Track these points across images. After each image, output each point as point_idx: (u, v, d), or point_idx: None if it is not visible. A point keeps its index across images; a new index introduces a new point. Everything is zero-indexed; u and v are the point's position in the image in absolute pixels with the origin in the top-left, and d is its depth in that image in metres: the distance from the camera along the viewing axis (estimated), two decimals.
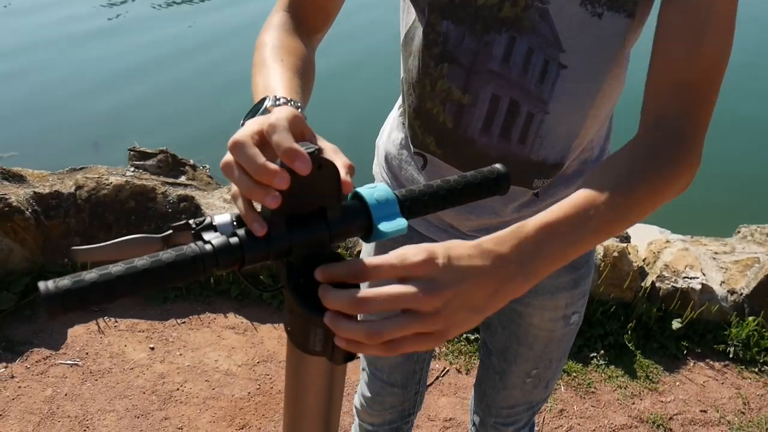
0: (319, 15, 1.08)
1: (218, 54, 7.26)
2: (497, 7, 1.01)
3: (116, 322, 2.75)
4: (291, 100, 0.84)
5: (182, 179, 3.41)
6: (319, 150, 0.72)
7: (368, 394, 1.54)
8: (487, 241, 0.74)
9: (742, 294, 3.01)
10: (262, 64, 0.94)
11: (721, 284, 3.06)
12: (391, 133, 1.31)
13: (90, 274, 0.69)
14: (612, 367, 2.80)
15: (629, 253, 3.00)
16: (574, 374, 2.74)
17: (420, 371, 1.52)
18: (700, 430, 2.56)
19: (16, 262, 2.84)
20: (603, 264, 2.93)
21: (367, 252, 1.40)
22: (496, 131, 1.10)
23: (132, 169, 3.35)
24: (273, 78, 0.90)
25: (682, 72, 0.90)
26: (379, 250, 1.35)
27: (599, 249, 2.96)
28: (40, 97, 6.51)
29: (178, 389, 2.48)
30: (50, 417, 2.34)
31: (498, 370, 1.45)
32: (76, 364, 2.55)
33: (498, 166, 0.88)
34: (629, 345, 2.88)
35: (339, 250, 2.88)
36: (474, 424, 1.60)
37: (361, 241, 1.45)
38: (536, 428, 2.49)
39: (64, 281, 0.68)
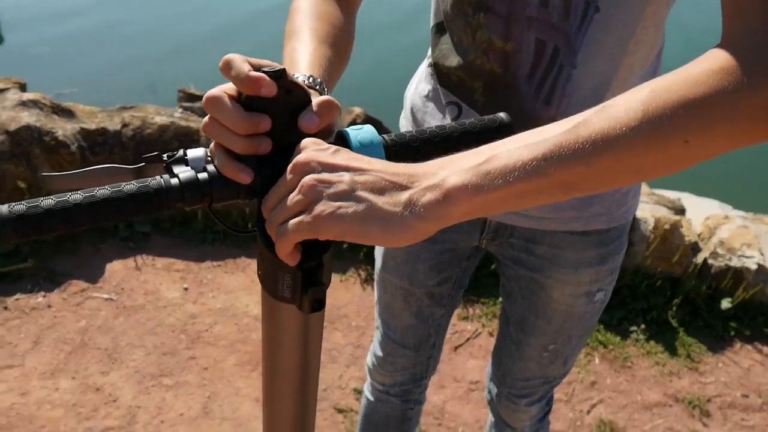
0: None
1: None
2: None
3: (154, 260, 2.77)
4: (311, 76, 0.81)
5: None
6: (283, 71, 0.67)
7: (380, 354, 1.50)
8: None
9: None
10: (292, 32, 0.92)
11: None
12: (418, 85, 1.24)
13: (47, 201, 0.66)
14: (652, 342, 2.70)
15: (682, 227, 2.87)
16: (611, 347, 2.66)
17: (435, 335, 1.46)
18: (739, 414, 2.45)
19: (47, 183, 2.88)
20: (653, 236, 2.81)
21: None
22: (536, 81, 1.02)
23: (180, 110, 3.34)
24: (299, 50, 0.88)
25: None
26: None
27: (650, 220, 2.84)
28: (103, 37, 6.59)
29: (207, 330, 2.49)
30: (81, 347, 2.38)
31: (515, 341, 1.39)
32: (111, 299, 2.58)
33: (501, 115, 0.81)
34: (672, 321, 2.77)
35: None
36: (489, 392, 1.55)
37: None
38: (557, 401, 2.43)
39: (19, 206, 0.65)
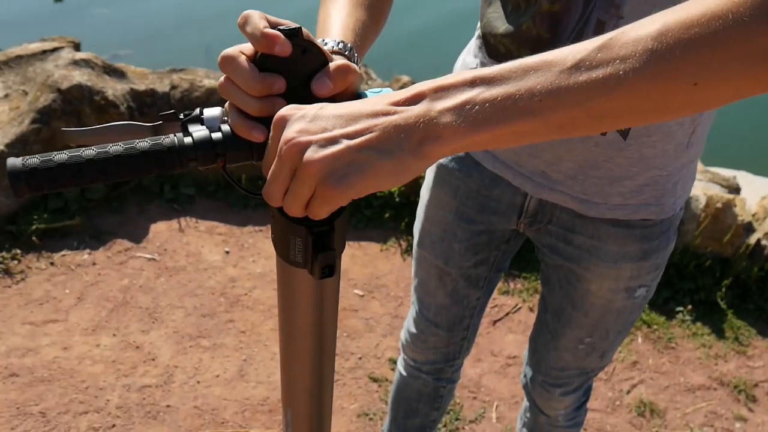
0: None
1: None
2: None
3: (197, 222, 2.80)
4: (341, 42, 0.80)
5: None
6: (299, 29, 0.65)
7: (413, 331, 1.47)
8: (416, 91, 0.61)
9: None
10: None
11: None
12: (465, 58, 1.20)
13: (60, 155, 0.66)
14: (698, 324, 2.63)
15: (735, 206, 2.77)
16: (656, 327, 2.59)
17: (469, 317, 1.43)
18: None
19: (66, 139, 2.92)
20: (704, 215, 2.72)
21: (427, 177, 1.32)
22: (572, 40, 0.97)
23: None
24: (333, 14, 0.86)
25: None
26: (439, 178, 1.26)
27: (701, 198, 2.75)
28: (162, 1, 6.63)
29: (246, 294, 2.51)
30: (123, 305, 2.42)
31: (550, 329, 1.35)
32: (154, 259, 2.62)
33: None
34: (721, 303, 2.69)
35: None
36: (525, 376, 1.51)
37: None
38: (596, 379, 2.38)
39: (33, 160, 0.65)
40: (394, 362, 2.29)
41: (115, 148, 0.67)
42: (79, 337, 2.29)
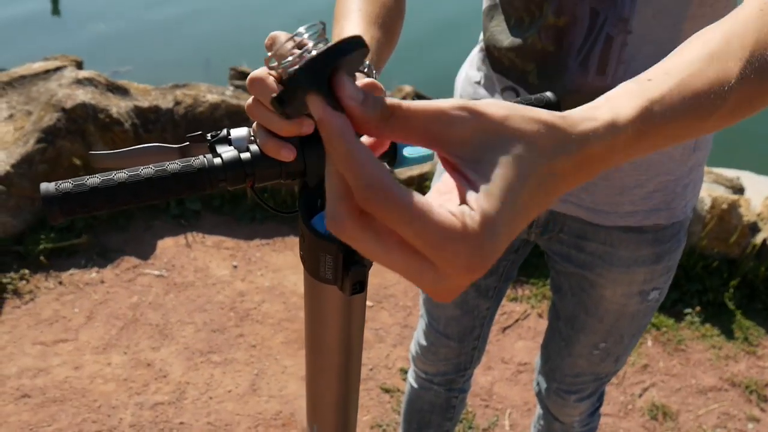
0: None
1: None
2: None
3: (204, 237, 2.80)
4: None
5: None
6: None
7: (423, 343, 1.47)
8: (589, 151, 0.48)
9: None
10: (341, 14, 0.90)
11: None
12: (468, 71, 1.21)
13: (92, 179, 0.66)
14: (707, 325, 2.63)
15: (740, 206, 2.78)
16: (665, 329, 2.60)
17: (480, 327, 1.43)
18: None
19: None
20: (709, 216, 2.73)
21: (436, 182, 1.32)
22: (583, 54, 0.98)
23: (232, 88, 3.36)
24: (347, 32, 0.86)
25: None
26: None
27: (706, 200, 2.75)
28: (160, 15, 6.65)
29: (255, 308, 2.51)
30: (133, 323, 2.42)
31: (564, 337, 1.35)
32: (162, 275, 2.62)
33: (548, 94, 0.78)
34: (729, 304, 2.69)
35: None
36: (537, 384, 1.51)
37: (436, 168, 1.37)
38: (608, 384, 2.39)
39: (66, 184, 0.66)
40: (405, 372, 2.29)
41: (146, 170, 0.67)
42: (90, 356, 2.29)
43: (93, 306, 2.47)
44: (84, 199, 0.65)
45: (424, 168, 2.90)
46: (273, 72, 0.68)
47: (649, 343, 2.55)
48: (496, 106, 0.44)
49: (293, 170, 0.70)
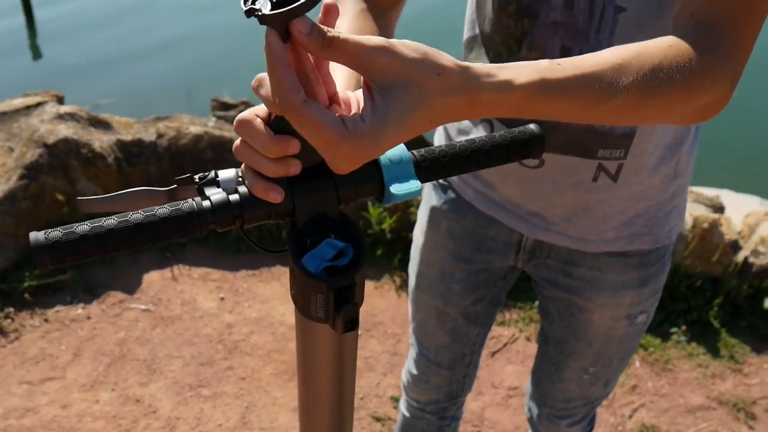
0: None
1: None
2: None
3: (190, 270, 2.79)
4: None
5: None
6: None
7: (414, 372, 1.48)
8: (478, 97, 0.62)
9: None
10: None
11: None
12: None
13: (82, 227, 0.67)
14: (693, 344, 2.65)
15: (721, 225, 2.81)
16: (652, 349, 2.61)
17: (470, 354, 1.44)
18: None
19: (82, 207, 2.91)
20: (691, 235, 2.76)
21: (420, 220, 1.34)
22: None
23: (214, 119, 3.37)
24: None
25: None
26: (434, 221, 1.28)
27: (688, 219, 2.79)
28: (139, 46, 6.67)
29: (243, 340, 2.50)
30: (121, 359, 2.40)
31: (554, 361, 1.36)
32: (149, 310, 2.61)
33: (532, 126, 0.79)
34: (714, 322, 2.72)
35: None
36: (529, 410, 1.52)
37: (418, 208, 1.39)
38: (601, 410, 2.39)
39: (56, 233, 0.66)
40: (396, 401, 2.29)
41: (136, 216, 0.68)
42: (77, 393, 2.27)
43: (80, 342, 2.46)
44: (74, 246, 0.66)
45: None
46: (260, 113, 0.69)
47: (637, 363, 2.56)
48: (410, 49, 0.59)
49: (282, 211, 0.71)
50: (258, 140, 0.66)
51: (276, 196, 0.69)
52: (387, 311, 2.67)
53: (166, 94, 5.66)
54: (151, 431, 2.16)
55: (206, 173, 0.74)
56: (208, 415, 2.23)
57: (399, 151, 0.73)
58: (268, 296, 2.70)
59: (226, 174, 0.73)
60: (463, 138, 1.16)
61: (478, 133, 1.13)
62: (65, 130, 2.89)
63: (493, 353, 2.54)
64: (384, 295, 2.75)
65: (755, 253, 2.80)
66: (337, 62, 0.59)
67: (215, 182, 0.73)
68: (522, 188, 1.13)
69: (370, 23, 0.95)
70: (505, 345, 2.58)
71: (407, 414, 1.58)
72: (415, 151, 0.75)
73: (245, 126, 0.67)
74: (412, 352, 1.48)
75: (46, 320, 2.54)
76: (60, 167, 2.82)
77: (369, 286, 2.75)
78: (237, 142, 0.69)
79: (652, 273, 1.20)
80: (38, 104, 3.17)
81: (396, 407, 2.26)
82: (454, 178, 1.23)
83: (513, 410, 2.33)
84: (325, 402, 0.84)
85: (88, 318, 2.56)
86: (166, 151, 2.98)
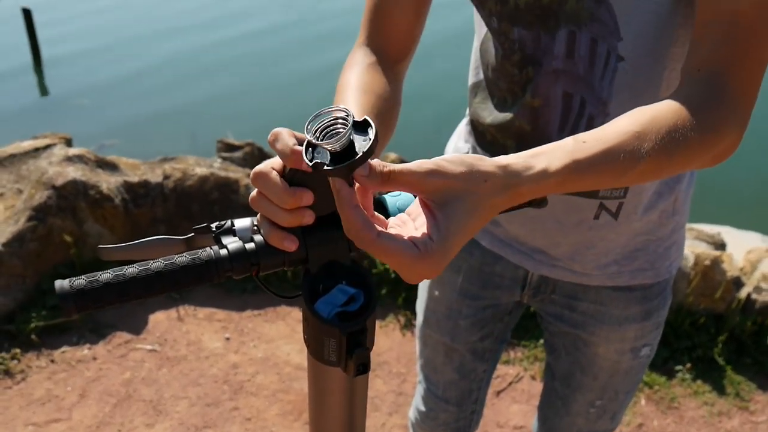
0: (400, 43, 1.06)
1: (317, 50, 7.35)
2: (563, 0, 0.96)
3: (195, 310, 2.81)
4: None
5: None
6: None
7: (422, 409, 1.49)
8: (520, 190, 0.68)
9: None
10: (339, 103, 0.95)
11: None
12: (457, 143, 1.27)
13: (105, 275, 0.69)
14: (699, 381, 2.65)
15: (723, 262, 2.83)
16: (657, 387, 2.61)
17: (477, 390, 1.46)
18: None
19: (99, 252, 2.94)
20: (693, 273, 2.78)
21: None
22: (567, 133, 1.04)
23: (219, 161, 3.41)
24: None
25: (726, 20, 0.83)
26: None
27: (689, 256, 2.81)
28: (144, 88, 6.76)
29: (249, 380, 2.51)
30: (126, 399, 2.41)
31: (560, 396, 1.38)
32: (155, 350, 2.62)
33: None
34: (719, 359, 2.72)
35: None
36: None
37: None
38: None
39: (80, 281, 0.68)
40: None
41: (156, 264, 0.71)
42: None
43: (86, 383, 2.46)
44: (98, 294, 0.68)
45: None
46: (275, 165, 0.72)
47: (643, 401, 2.56)
48: (456, 165, 0.64)
49: (296, 258, 0.73)
50: (274, 192, 0.69)
51: (290, 245, 0.71)
52: (392, 350, 2.68)
53: (171, 135, 5.73)
54: None
55: (223, 222, 0.77)
56: None
57: (407, 200, 0.75)
58: (273, 336, 2.71)
59: (241, 223, 0.76)
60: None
61: None
62: (73, 172, 2.93)
63: (498, 392, 2.55)
64: (389, 335, 2.76)
65: (758, 289, 2.81)
66: (396, 190, 0.66)
67: (231, 231, 0.76)
68: (527, 227, 1.16)
69: (378, 76, 0.98)
70: (510, 384, 2.58)
71: None
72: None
73: (262, 178, 0.70)
74: (419, 389, 1.50)
75: (52, 361, 2.55)
76: (68, 209, 2.86)
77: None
78: (253, 193, 0.72)
79: (655, 306, 1.23)
80: (47, 146, 3.21)
81: None
82: None
83: None
84: None
85: (95, 359, 2.57)
86: (173, 192, 3.02)
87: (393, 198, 0.76)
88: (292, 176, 0.70)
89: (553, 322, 1.29)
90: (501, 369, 2.64)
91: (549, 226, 1.13)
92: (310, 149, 0.64)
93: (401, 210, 0.75)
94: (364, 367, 0.72)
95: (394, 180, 0.63)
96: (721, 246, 3.11)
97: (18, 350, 2.56)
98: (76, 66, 7.23)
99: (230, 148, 3.51)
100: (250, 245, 0.73)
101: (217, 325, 2.75)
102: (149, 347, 2.63)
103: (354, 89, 0.95)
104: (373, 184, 0.63)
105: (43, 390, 2.43)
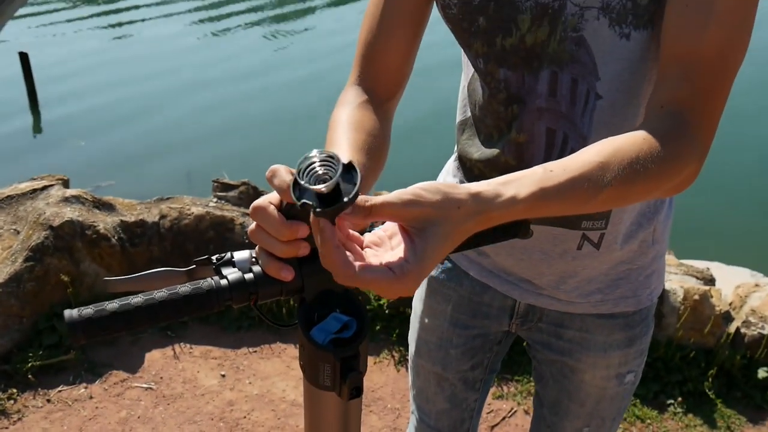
0: (390, 83, 1.12)
1: (312, 89, 7.46)
2: (545, 43, 1.02)
3: (191, 348, 2.83)
4: None
5: None
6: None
7: None
8: (489, 215, 0.74)
9: None
10: (330, 143, 1.00)
11: None
12: (446, 177, 1.32)
13: (111, 305, 0.73)
14: (690, 415, 2.68)
15: (712, 297, 2.88)
16: (649, 421, 2.64)
17: (469, 419, 1.49)
18: None
19: (102, 286, 2.98)
20: (683, 307, 2.82)
21: (419, 289, 1.41)
22: None
23: (215, 200, 3.46)
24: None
25: (686, 60, 0.90)
26: (432, 289, 1.36)
27: (679, 291, 2.85)
28: (140, 128, 6.83)
29: (245, 417, 2.53)
30: None
31: (549, 423, 1.42)
32: (151, 388, 2.64)
33: None
34: (709, 393, 2.75)
35: None
36: None
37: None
38: None
39: (88, 310, 0.72)
40: None
41: (160, 294, 0.75)
42: None
43: (82, 423, 2.48)
44: (104, 323, 0.72)
45: None
46: (273, 200, 0.76)
47: None
48: (432, 193, 0.71)
49: (292, 288, 0.78)
50: (271, 225, 0.74)
51: (287, 275, 0.76)
52: (387, 386, 2.70)
53: (166, 175, 5.79)
54: None
55: (222, 255, 0.81)
56: None
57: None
58: (268, 373, 2.73)
59: (240, 255, 0.81)
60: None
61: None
62: (70, 213, 2.97)
63: (492, 427, 2.57)
64: (383, 370, 2.78)
65: (747, 323, 2.86)
66: (377, 221, 0.74)
67: (231, 262, 0.80)
68: (513, 257, 1.21)
69: (369, 114, 1.04)
70: (504, 419, 2.60)
71: None
72: None
73: (260, 212, 0.75)
74: (412, 419, 1.53)
75: (48, 401, 2.56)
76: (65, 249, 2.89)
77: (368, 361, 2.78)
78: (251, 226, 0.77)
79: (638, 333, 1.28)
80: (44, 187, 3.26)
81: None
82: None
83: None
84: None
85: (91, 397, 2.58)
86: (169, 231, 3.06)
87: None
88: (288, 210, 0.75)
89: (540, 350, 1.34)
90: (495, 404, 2.66)
91: (534, 256, 1.18)
92: (297, 187, 0.69)
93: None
94: (357, 391, 0.76)
95: (375, 213, 0.70)
96: (710, 281, 3.16)
97: (14, 390, 2.57)
98: (72, 107, 7.31)
99: (226, 187, 3.56)
100: (249, 275, 0.78)
101: (212, 363, 2.77)
102: (145, 385, 2.65)
103: (345, 126, 1.01)
104: (356, 219, 0.70)
105: (40, 430, 2.44)
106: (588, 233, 1.14)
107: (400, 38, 1.11)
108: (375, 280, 0.69)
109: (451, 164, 1.31)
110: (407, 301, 1.38)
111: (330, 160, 0.68)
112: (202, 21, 11.11)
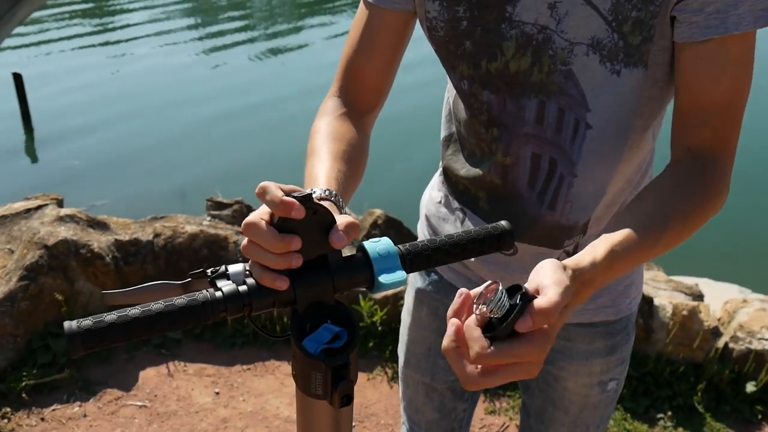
0: (370, 95, 1.17)
1: (306, 107, 7.51)
2: (528, 72, 1.06)
3: (185, 366, 2.85)
4: (327, 190, 0.94)
5: None
6: (311, 195, 0.78)
7: None
8: (583, 278, 0.82)
9: None
10: (311, 152, 1.05)
11: None
12: (431, 192, 1.37)
13: (110, 316, 0.76)
14: (680, 429, 2.70)
15: (701, 312, 2.91)
16: None
17: (459, 429, 1.52)
18: None
19: (96, 305, 3.00)
20: (672, 323, 2.86)
21: (407, 302, 1.45)
22: (538, 189, 1.14)
23: (209, 218, 3.49)
24: (318, 167, 1.01)
25: (705, 108, 1.00)
26: (419, 301, 1.40)
27: (668, 307, 2.89)
28: (133, 148, 6.86)
29: None
30: None
31: None
32: (145, 406, 2.65)
33: (503, 222, 0.91)
34: (699, 407, 2.78)
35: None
36: None
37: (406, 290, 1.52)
38: None
39: (87, 322, 0.75)
40: None
41: (157, 306, 0.78)
42: None
43: None
44: (103, 333, 0.75)
45: (398, 289, 3.01)
46: (264, 215, 0.80)
47: None
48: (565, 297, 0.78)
49: (285, 299, 0.81)
50: (264, 238, 0.77)
51: (282, 284, 0.79)
52: (380, 402, 2.72)
53: (160, 194, 5.81)
54: None
55: (217, 268, 0.85)
56: None
57: (386, 245, 0.84)
58: (262, 390, 2.75)
59: (235, 268, 0.84)
60: (441, 223, 1.30)
61: (455, 222, 1.26)
62: (65, 232, 2.99)
63: None
64: (376, 387, 2.80)
65: (735, 338, 2.89)
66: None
67: (225, 275, 0.84)
68: (496, 274, 1.25)
69: (348, 125, 1.10)
70: None
71: None
72: (401, 246, 0.86)
73: (253, 228, 0.78)
74: (403, 430, 1.56)
75: (42, 419, 2.57)
76: (59, 268, 2.91)
77: (361, 377, 2.81)
78: (244, 241, 0.80)
79: (618, 342, 1.32)
80: (38, 207, 3.28)
81: None
82: None
83: None
84: None
85: (85, 416, 2.60)
86: (163, 249, 3.09)
87: (373, 244, 0.84)
88: (281, 224, 0.78)
89: None
90: (487, 419, 2.69)
91: (517, 273, 1.22)
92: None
93: (381, 255, 0.83)
94: (348, 399, 0.79)
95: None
96: (698, 297, 3.20)
97: (8, 409, 2.58)
98: (66, 126, 7.34)
99: (219, 206, 3.59)
100: (243, 287, 0.81)
101: (206, 380, 2.79)
102: (139, 403, 2.66)
103: (325, 136, 1.05)
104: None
105: None
106: (568, 249, 1.18)
107: (381, 54, 1.15)
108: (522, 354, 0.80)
109: (437, 178, 1.35)
110: (399, 317, 1.44)
111: (502, 292, 0.77)
112: (195, 39, 11.18)
